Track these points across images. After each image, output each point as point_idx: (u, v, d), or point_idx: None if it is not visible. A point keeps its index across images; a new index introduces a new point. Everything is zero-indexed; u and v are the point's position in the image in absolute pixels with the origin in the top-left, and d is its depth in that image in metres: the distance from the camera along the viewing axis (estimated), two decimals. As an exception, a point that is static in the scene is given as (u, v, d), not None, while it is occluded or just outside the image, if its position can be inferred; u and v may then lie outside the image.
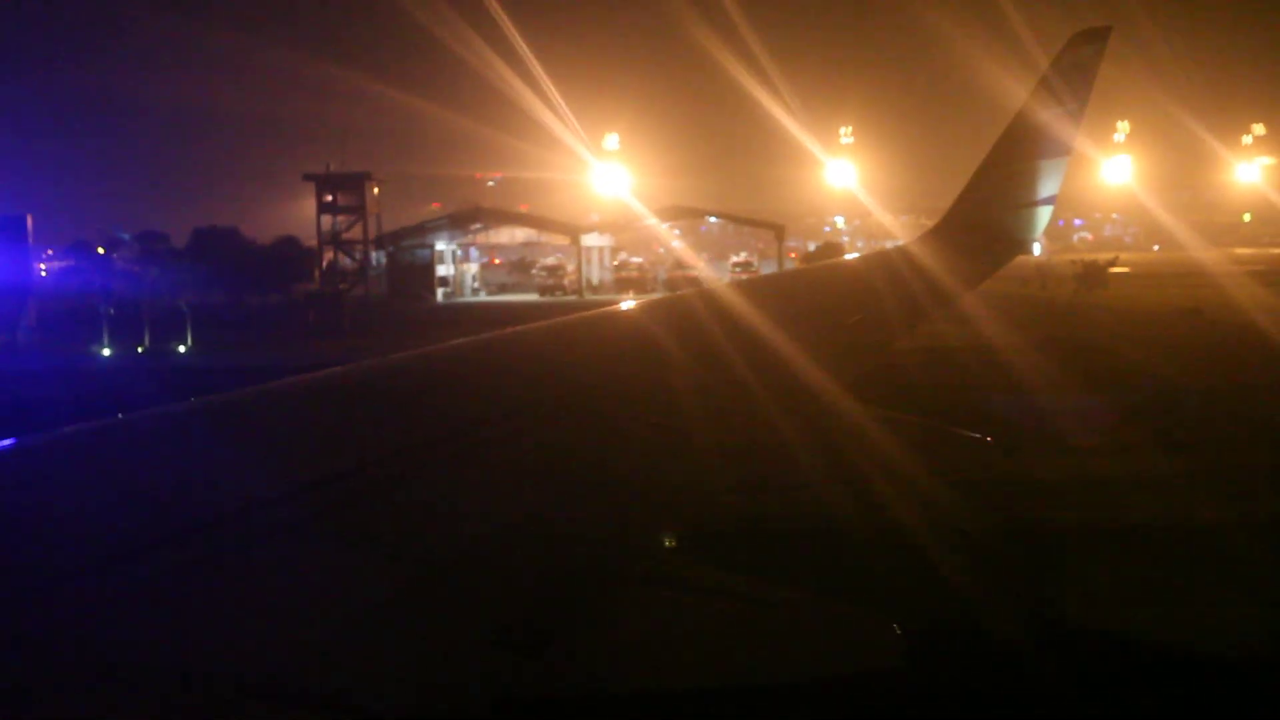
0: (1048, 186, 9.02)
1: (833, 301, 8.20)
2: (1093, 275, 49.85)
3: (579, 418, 4.42)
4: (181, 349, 42.23)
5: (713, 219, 77.91)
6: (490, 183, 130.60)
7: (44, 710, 2.10)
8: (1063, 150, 8.93)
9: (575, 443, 4.19)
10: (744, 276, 57.43)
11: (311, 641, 2.48)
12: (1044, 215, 9.21)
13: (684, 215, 71.29)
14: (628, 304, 9.43)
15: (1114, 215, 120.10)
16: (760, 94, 60.97)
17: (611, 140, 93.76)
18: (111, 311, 44.69)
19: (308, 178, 70.24)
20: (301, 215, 77.76)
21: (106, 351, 42.05)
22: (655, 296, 33.15)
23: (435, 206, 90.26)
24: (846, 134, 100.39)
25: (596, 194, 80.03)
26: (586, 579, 3.13)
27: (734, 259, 74.44)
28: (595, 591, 3.05)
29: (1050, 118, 8.70)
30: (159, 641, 2.36)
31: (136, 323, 44.13)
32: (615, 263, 70.70)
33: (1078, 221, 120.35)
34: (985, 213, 9.10)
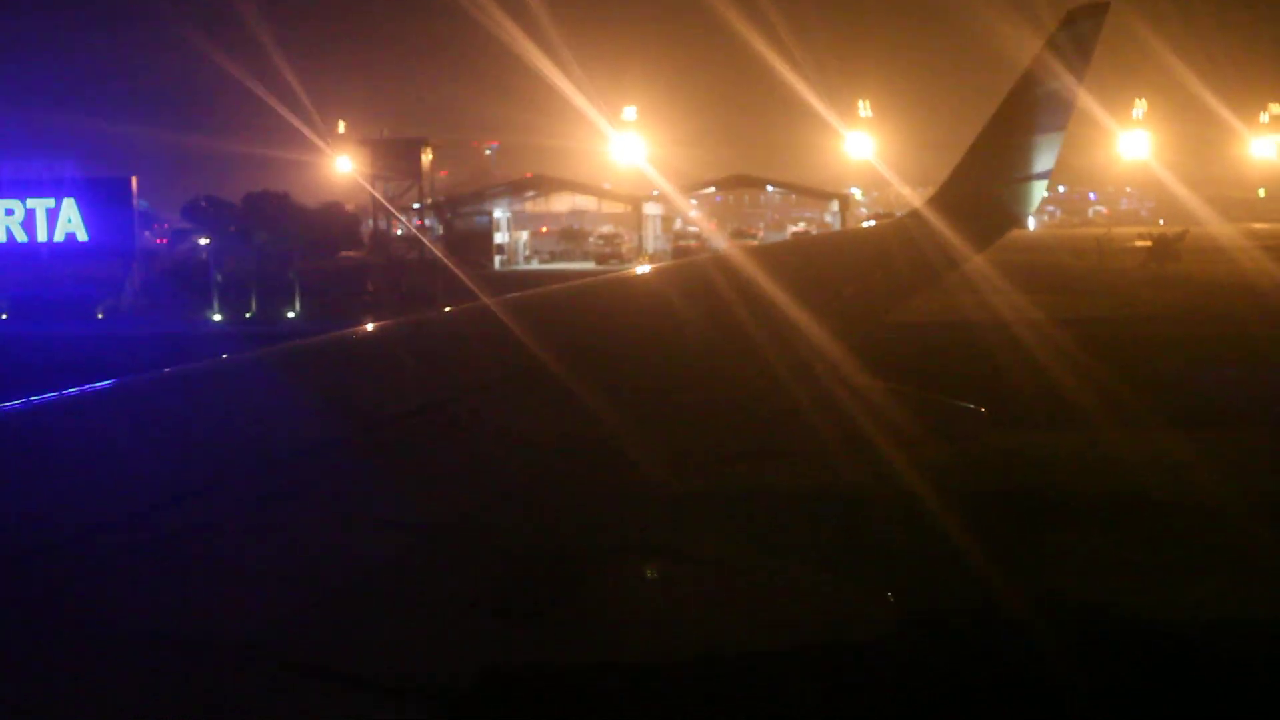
0: (1043, 161, 8.99)
1: (828, 271, 8.24)
2: (1164, 248, 51.10)
3: (573, 382, 4.35)
4: (291, 315, 42.79)
5: (771, 188, 78.87)
6: (487, 151, 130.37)
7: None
8: (1059, 125, 8.90)
9: (569, 408, 4.15)
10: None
11: (303, 605, 2.49)
12: (1039, 189, 9.21)
13: (743, 185, 72.15)
14: (640, 269, 9.27)
15: (1126, 189, 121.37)
16: (778, 66, 61.23)
17: (629, 111, 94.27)
18: (220, 278, 45.14)
19: (362, 143, 70.40)
20: (335, 180, 77.65)
21: (217, 317, 42.64)
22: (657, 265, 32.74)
23: (443, 174, 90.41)
24: (865, 107, 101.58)
25: (612, 163, 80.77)
26: (581, 547, 3.13)
27: (791, 229, 75.45)
28: (589, 559, 3.06)
29: (1046, 93, 8.70)
30: (147, 603, 2.38)
31: (242, 289, 44.60)
32: (675, 230, 71.59)
33: (1091, 195, 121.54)
34: (980, 187, 9.09)
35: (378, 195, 69.64)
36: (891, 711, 7.70)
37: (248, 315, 43.21)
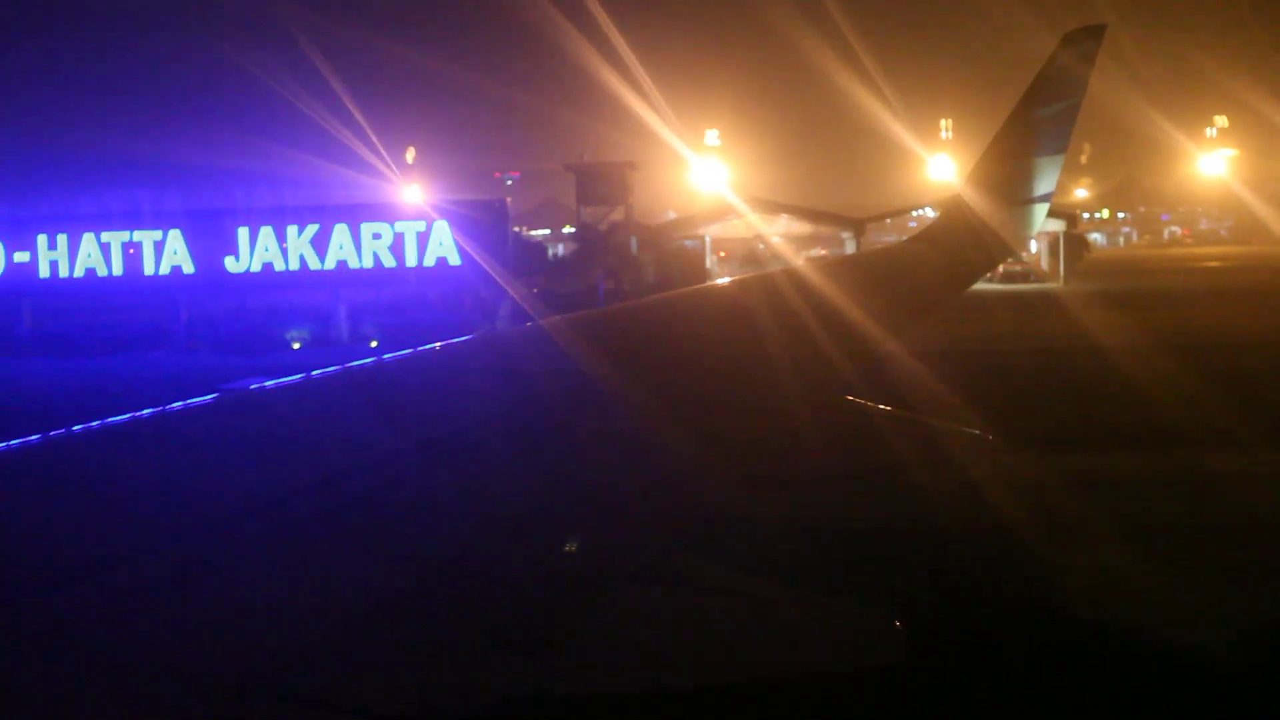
0: (1044, 184, 9.03)
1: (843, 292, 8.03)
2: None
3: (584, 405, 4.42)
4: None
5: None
6: (508, 181, 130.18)
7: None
8: (1059, 148, 8.93)
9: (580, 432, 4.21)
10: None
11: (312, 639, 2.52)
12: (1040, 213, 9.27)
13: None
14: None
15: (1198, 209, 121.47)
16: (857, 89, 62.55)
17: (711, 135, 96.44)
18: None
19: (569, 168, 70.61)
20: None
21: None
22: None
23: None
24: (947, 128, 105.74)
25: (690, 188, 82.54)
26: (587, 577, 3.17)
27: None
28: (595, 590, 3.08)
29: (1045, 116, 8.77)
30: (156, 637, 2.41)
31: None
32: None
33: (1164, 216, 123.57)
34: (981, 210, 9.08)
35: (584, 217, 69.67)
36: None
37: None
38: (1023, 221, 9.20)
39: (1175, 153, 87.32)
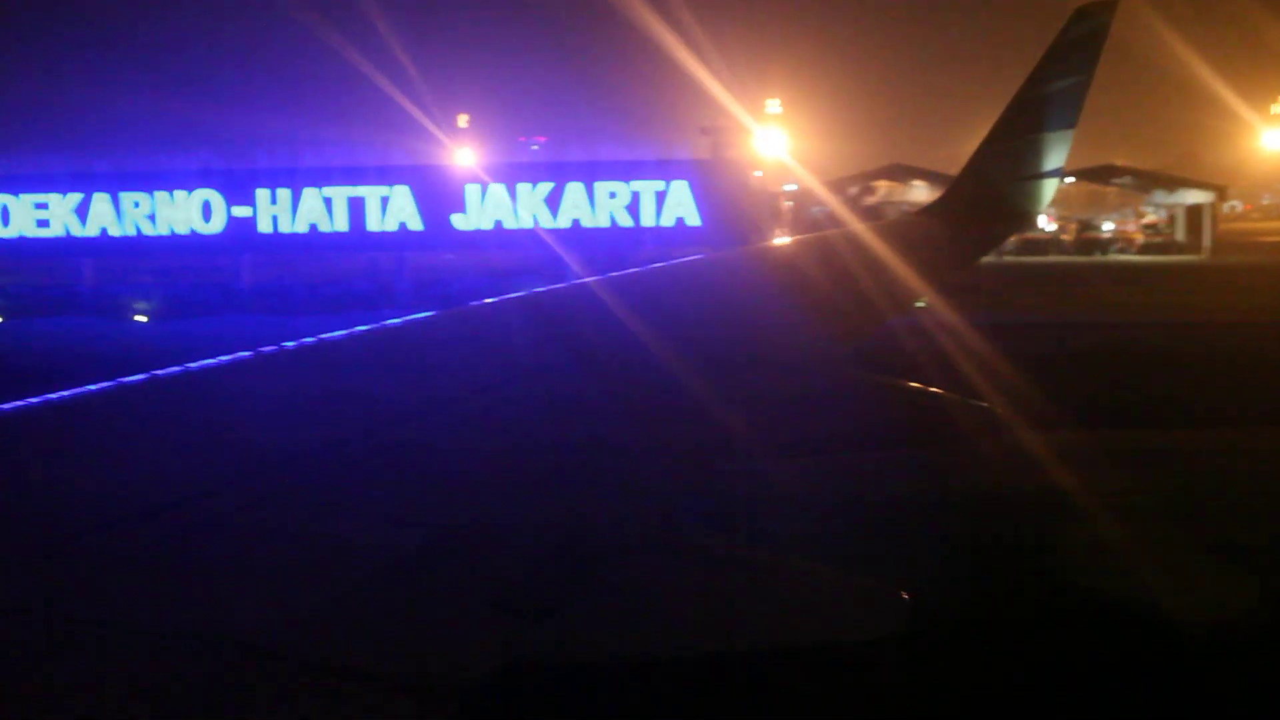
0: (1054, 159, 9.04)
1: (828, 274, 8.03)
2: None
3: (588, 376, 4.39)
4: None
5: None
6: (534, 146, 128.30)
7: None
8: (1068, 123, 8.91)
9: (583, 402, 4.19)
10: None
11: (315, 601, 2.52)
12: (1050, 188, 9.22)
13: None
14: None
15: (1258, 184, 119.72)
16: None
17: (773, 104, 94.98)
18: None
19: (704, 131, 69.46)
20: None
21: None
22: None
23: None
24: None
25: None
26: (592, 545, 3.15)
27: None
28: (601, 557, 3.08)
29: (1056, 91, 8.74)
30: (158, 600, 2.42)
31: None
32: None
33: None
34: (990, 185, 9.17)
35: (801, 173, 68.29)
36: (908, 710, 7.84)
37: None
38: (1032, 196, 9.16)
39: (1238, 126, 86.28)
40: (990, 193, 9.10)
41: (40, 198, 47.19)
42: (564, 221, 45.27)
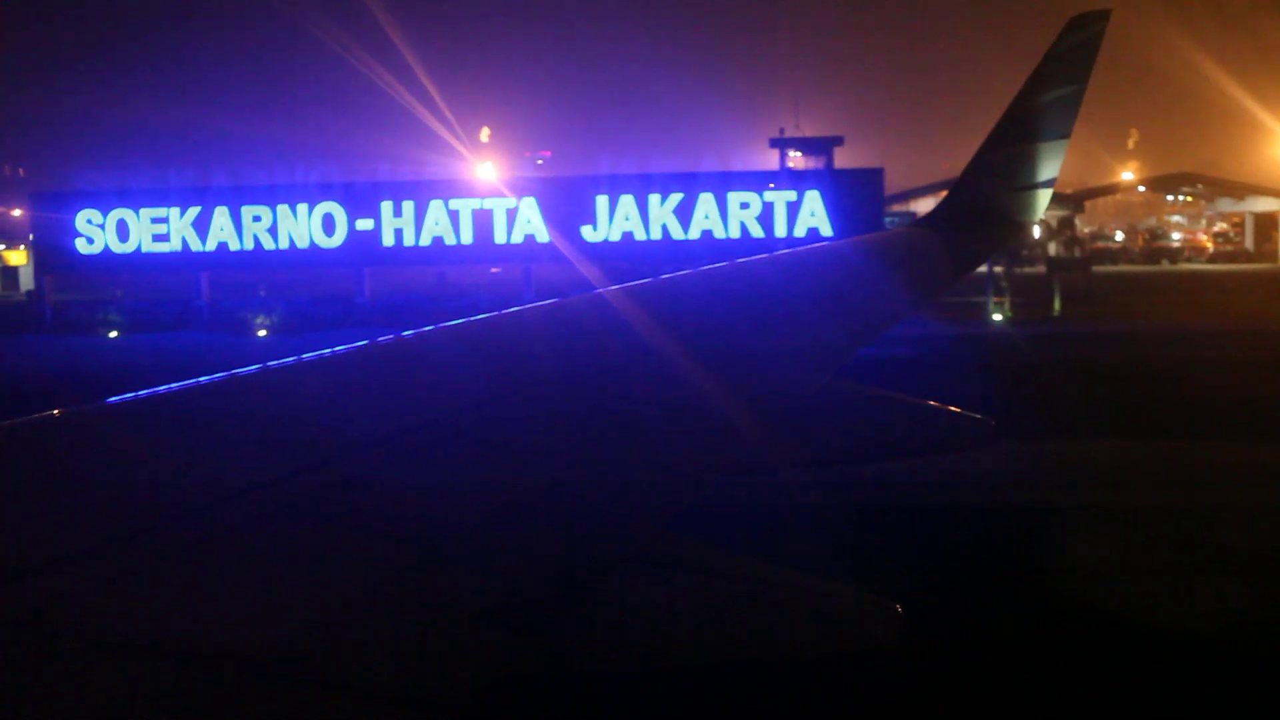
0: (1048, 169, 9.10)
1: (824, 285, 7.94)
2: None
3: (580, 396, 4.39)
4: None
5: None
6: (539, 160, 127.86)
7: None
8: (1062, 132, 9.00)
9: (577, 420, 4.18)
10: None
11: (306, 617, 2.51)
12: (1044, 198, 9.32)
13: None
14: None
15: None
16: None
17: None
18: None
19: (774, 143, 69.01)
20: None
21: (997, 317, 41.42)
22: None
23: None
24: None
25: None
26: (583, 558, 3.15)
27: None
28: (592, 570, 3.06)
29: (1049, 101, 8.82)
30: (146, 614, 2.40)
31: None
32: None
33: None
34: (984, 195, 9.23)
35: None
36: (901, 717, 7.92)
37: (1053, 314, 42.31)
38: (1027, 206, 9.18)
39: (1259, 133, 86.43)
40: (985, 203, 9.12)
41: (158, 212, 46.43)
42: (694, 233, 44.68)
